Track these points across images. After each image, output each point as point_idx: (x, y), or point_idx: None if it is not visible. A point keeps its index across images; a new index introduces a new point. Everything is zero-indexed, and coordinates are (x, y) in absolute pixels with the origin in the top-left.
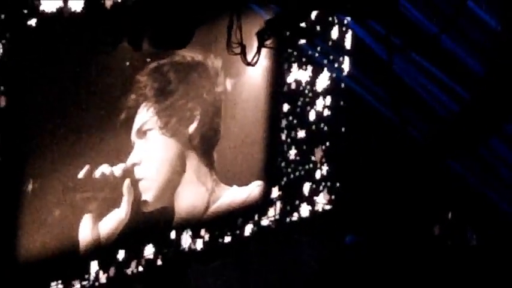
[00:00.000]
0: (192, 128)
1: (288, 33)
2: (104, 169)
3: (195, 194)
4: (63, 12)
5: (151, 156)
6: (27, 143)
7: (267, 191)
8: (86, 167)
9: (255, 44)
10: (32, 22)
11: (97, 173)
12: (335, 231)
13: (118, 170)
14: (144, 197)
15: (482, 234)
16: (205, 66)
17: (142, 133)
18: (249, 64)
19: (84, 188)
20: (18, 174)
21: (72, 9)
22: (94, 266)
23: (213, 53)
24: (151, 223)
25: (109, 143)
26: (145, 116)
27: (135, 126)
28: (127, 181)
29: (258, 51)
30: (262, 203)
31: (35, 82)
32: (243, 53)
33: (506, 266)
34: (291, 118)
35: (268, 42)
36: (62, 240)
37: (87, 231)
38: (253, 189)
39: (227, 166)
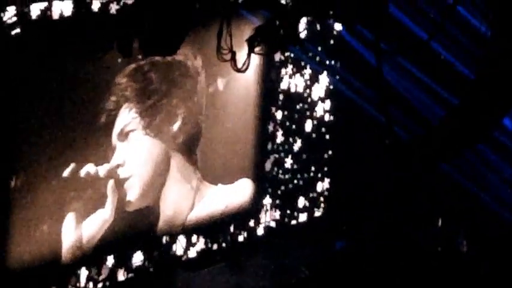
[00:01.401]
0: (175, 126)
1: (277, 39)
2: (89, 168)
3: (180, 192)
4: (51, 19)
5: (134, 156)
6: (11, 141)
7: (254, 190)
8: (72, 166)
9: (245, 49)
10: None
11: (82, 172)
12: (325, 237)
13: (103, 170)
14: (128, 197)
15: (472, 241)
16: (186, 66)
17: (124, 135)
18: (239, 70)
19: (69, 186)
20: (1, 170)
21: (62, 16)
22: (82, 272)
23: (192, 52)
24: (137, 223)
25: (91, 145)
26: (127, 117)
27: (117, 129)
28: (111, 182)
29: (248, 58)
30: (252, 204)
31: (21, 84)
32: (233, 60)
33: (496, 272)
34: (283, 121)
35: (258, 49)
36: (45, 241)
37: (70, 230)
38: (240, 187)
39: (212, 164)
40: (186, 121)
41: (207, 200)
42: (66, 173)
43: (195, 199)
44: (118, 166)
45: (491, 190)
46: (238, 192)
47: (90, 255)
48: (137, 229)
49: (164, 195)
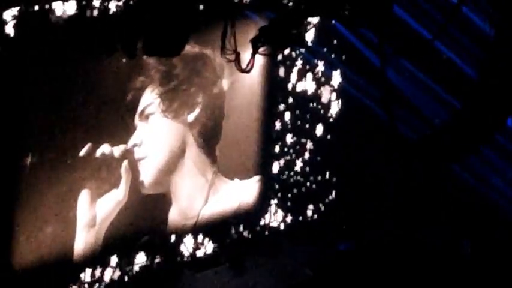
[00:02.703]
0: (193, 115)
1: (282, 40)
2: (104, 149)
3: (195, 184)
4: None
5: (151, 138)
6: (28, 117)
7: (264, 189)
8: (88, 146)
9: (250, 50)
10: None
11: (98, 153)
12: (329, 237)
13: (117, 150)
14: (141, 178)
15: (477, 243)
16: (211, 60)
17: (145, 116)
18: (243, 71)
19: (84, 166)
20: (16, 147)
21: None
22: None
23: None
24: (150, 211)
25: (113, 124)
26: (149, 98)
27: (139, 108)
28: (125, 162)
29: (252, 58)
30: (260, 204)
31: (41, 63)
32: (237, 61)
33: (500, 274)
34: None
35: (262, 49)
36: (59, 220)
37: (84, 208)
38: (255, 184)
39: (229, 159)
40: (204, 112)
41: (222, 196)
42: (82, 152)
43: (210, 193)
44: (135, 145)
45: (497, 191)
46: (253, 189)
47: (102, 242)
48: (150, 217)
49: (178, 184)
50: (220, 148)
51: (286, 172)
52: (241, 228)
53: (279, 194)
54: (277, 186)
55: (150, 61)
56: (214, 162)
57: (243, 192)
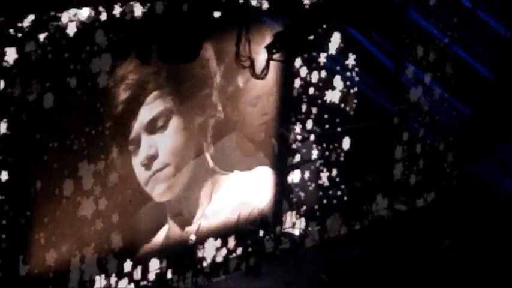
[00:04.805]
0: (203, 117)
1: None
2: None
3: (199, 184)
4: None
5: (165, 147)
6: (37, 144)
7: (276, 188)
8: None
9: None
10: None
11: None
12: (344, 244)
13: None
14: (157, 187)
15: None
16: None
17: (155, 126)
18: (258, 77)
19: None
20: (26, 173)
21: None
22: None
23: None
24: (156, 214)
25: (119, 137)
26: (154, 108)
27: (144, 120)
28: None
29: (267, 65)
30: (273, 203)
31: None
32: (252, 67)
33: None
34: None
35: (277, 55)
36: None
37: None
38: (258, 176)
39: (228, 153)
40: (214, 111)
41: (224, 192)
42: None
43: (213, 190)
44: (148, 157)
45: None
46: (256, 183)
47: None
48: (157, 222)
49: (184, 187)
50: (222, 143)
51: (302, 178)
52: (257, 234)
53: (294, 199)
54: (292, 194)
55: (152, 70)
56: (213, 158)
57: (244, 185)
